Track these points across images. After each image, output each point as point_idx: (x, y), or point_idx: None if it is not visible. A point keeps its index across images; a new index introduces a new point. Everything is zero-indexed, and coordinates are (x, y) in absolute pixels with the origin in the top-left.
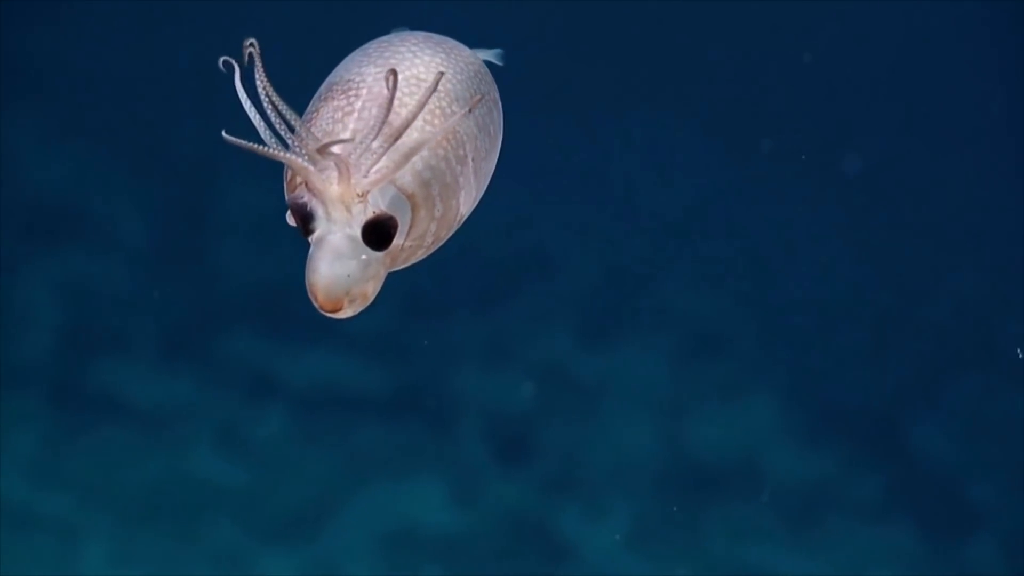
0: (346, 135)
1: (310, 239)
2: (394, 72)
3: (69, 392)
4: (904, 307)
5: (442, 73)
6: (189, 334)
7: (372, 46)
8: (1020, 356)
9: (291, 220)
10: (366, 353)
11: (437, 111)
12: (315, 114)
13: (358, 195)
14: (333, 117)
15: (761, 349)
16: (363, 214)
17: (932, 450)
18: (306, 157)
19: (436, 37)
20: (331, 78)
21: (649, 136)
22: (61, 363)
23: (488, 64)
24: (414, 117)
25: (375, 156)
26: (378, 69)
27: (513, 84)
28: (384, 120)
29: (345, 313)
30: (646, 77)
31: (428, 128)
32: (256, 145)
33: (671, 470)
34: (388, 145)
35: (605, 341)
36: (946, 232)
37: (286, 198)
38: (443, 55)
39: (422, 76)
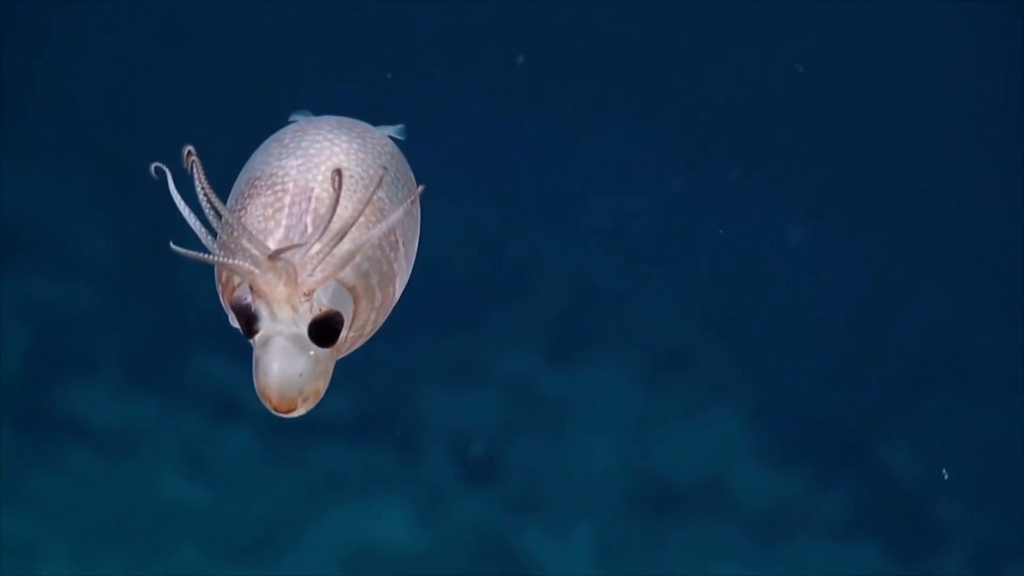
0: (279, 232)
1: (253, 340)
2: (339, 172)
3: (33, 413)
4: (872, 325)
5: (386, 169)
6: (154, 355)
7: (285, 134)
8: None
9: (233, 322)
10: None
11: (373, 205)
12: (242, 211)
13: (304, 294)
14: (264, 214)
15: (728, 367)
16: (309, 312)
17: (899, 468)
18: (250, 261)
19: (345, 121)
20: (250, 172)
21: (615, 155)
22: (25, 384)
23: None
24: (358, 215)
25: (320, 255)
26: (299, 161)
27: (484, 107)
28: (329, 220)
29: (299, 412)
30: (613, 96)
31: (368, 224)
32: (204, 255)
33: (637, 488)
34: (333, 245)
35: (572, 360)
36: (917, 251)
37: (223, 299)
38: (359, 141)
39: (344, 164)
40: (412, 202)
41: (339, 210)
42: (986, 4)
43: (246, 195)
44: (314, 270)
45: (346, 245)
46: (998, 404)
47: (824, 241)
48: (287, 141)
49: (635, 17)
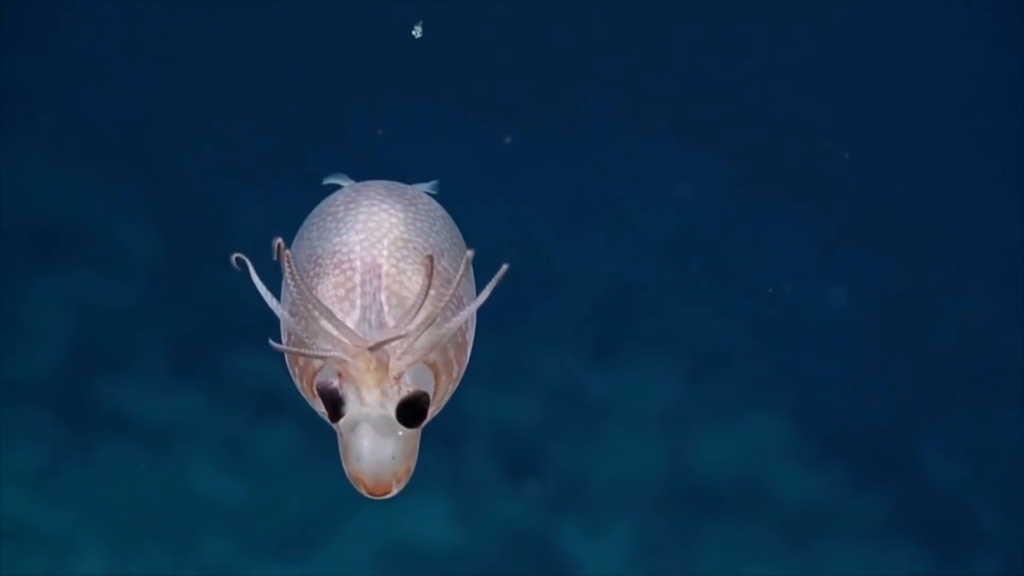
0: (355, 313)
1: (339, 423)
2: (431, 259)
3: (75, 408)
4: (912, 329)
5: (473, 253)
6: (197, 352)
7: (336, 205)
8: None
9: (315, 405)
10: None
11: (440, 277)
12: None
13: (394, 378)
14: (336, 295)
15: (767, 369)
16: (397, 394)
17: (936, 471)
18: (341, 350)
19: (391, 186)
20: (310, 248)
21: (656, 157)
22: (69, 380)
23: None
24: (450, 301)
25: (411, 340)
26: (361, 236)
27: (522, 111)
28: (419, 307)
29: (393, 493)
30: (657, 104)
31: (441, 299)
32: (303, 349)
33: (674, 488)
34: (424, 330)
35: (612, 360)
36: (954, 255)
37: (299, 380)
38: (412, 208)
39: (405, 235)
40: (467, 266)
41: (412, 285)
42: None
43: (312, 274)
44: (402, 353)
45: (437, 330)
46: None
47: (862, 245)
48: (341, 214)
49: (684, 28)
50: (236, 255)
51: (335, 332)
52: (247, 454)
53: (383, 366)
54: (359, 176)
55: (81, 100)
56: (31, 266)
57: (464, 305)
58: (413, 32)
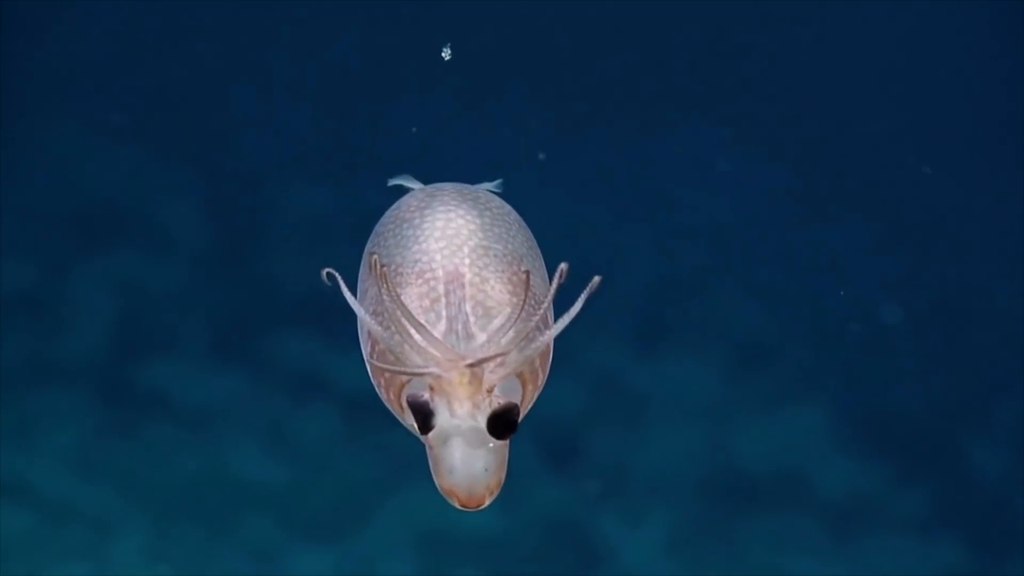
0: (442, 325)
1: (428, 436)
2: (527, 273)
3: (119, 388)
4: (956, 323)
5: (568, 266)
6: (239, 334)
7: (410, 211)
8: None
9: (406, 419)
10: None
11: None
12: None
13: (487, 391)
14: (421, 305)
15: (810, 362)
16: (488, 406)
17: (980, 465)
18: (434, 364)
19: (463, 190)
20: (388, 257)
21: (702, 149)
22: (112, 361)
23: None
24: (544, 316)
25: (508, 356)
26: (441, 244)
27: (569, 100)
28: (516, 319)
29: (486, 503)
30: (698, 91)
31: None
32: (400, 367)
33: (715, 480)
34: (518, 344)
35: (656, 351)
36: (999, 251)
37: (384, 392)
38: (488, 213)
39: (484, 243)
40: (562, 280)
41: (495, 293)
42: None
43: (395, 284)
44: (497, 367)
45: (532, 344)
46: None
47: (908, 241)
48: (417, 220)
49: (724, 24)
50: (327, 270)
51: (428, 346)
52: (287, 436)
53: (477, 379)
54: (422, 173)
55: (131, 81)
56: (77, 247)
57: (549, 314)
58: (443, 54)
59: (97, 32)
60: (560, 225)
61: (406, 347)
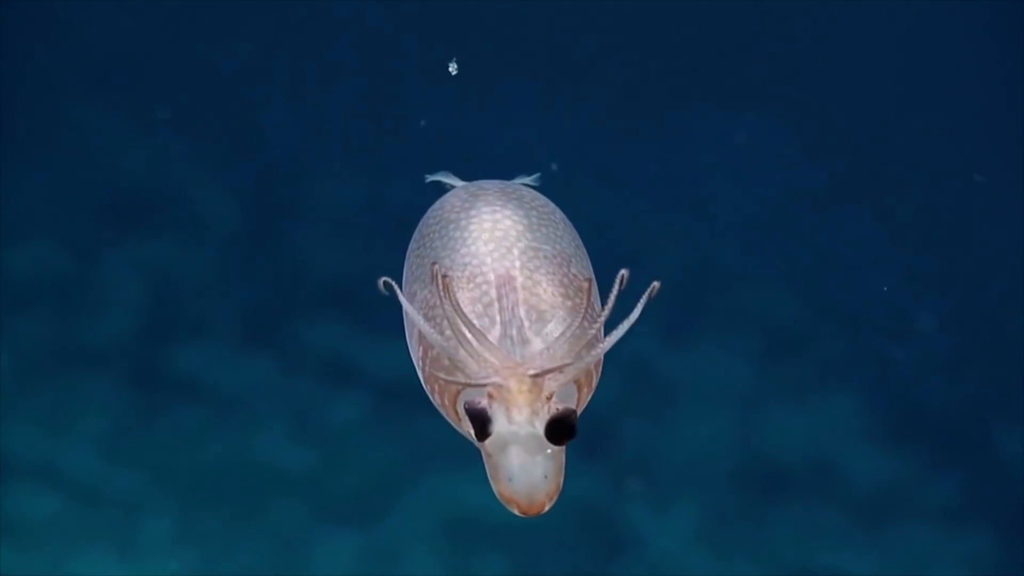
0: (496, 329)
1: (485, 443)
2: (590, 282)
3: (149, 373)
4: (987, 313)
5: (627, 273)
6: (270, 320)
7: (455, 212)
8: None
9: (463, 426)
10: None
11: (574, 287)
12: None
13: (546, 398)
14: (474, 311)
15: (841, 351)
16: (547, 412)
17: (1012, 455)
18: (492, 371)
19: (506, 187)
20: (435, 257)
21: (732, 137)
22: (143, 345)
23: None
24: (601, 326)
25: (567, 365)
26: (490, 247)
27: (604, 93)
28: (576, 328)
29: (545, 510)
30: (728, 79)
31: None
32: (468, 380)
33: (745, 468)
34: (579, 351)
35: (686, 339)
36: None
37: (437, 398)
38: (535, 213)
39: (532, 243)
40: (622, 287)
41: (547, 295)
42: None
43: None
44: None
45: (590, 353)
46: None
47: (938, 232)
48: (463, 221)
49: (762, 18)
50: (383, 279)
51: (487, 354)
52: (315, 422)
53: (537, 387)
54: (457, 167)
55: (166, 70)
56: (109, 233)
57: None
58: (450, 69)
59: (135, 22)
60: (593, 213)
61: (463, 353)
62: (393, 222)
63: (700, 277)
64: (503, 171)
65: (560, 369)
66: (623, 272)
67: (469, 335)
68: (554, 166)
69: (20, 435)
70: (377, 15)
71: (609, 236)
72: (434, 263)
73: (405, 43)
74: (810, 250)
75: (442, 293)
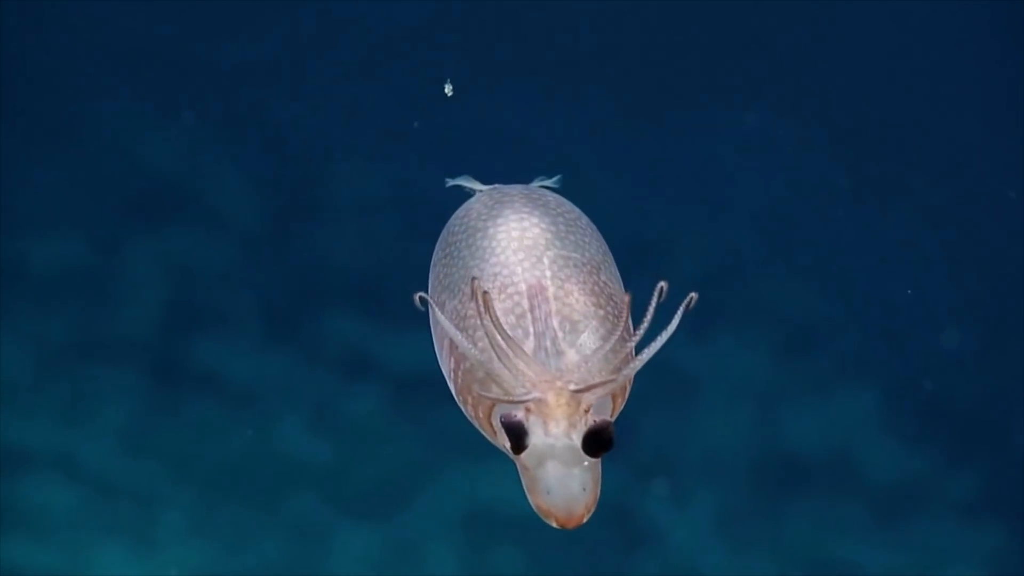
0: (530, 342)
1: (521, 456)
2: (629, 297)
3: (169, 365)
4: (1009, 309)
5: (666, 285)
6: (290, 313)
7: (483, 221)
8: None
9: (499, 439)
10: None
11: (606, 295)
12: (476, 318)
13: (584, 410)
14: (507, 322)
15: (862, 344)
16: (584, 425)
17: None
18: (530, 385)
19: (529, 193)
20: (463, 266)
21: (753, 133)
22: (164, 338)
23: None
24: (634, 343)
25: (610, 381)
26: (520, 256)
27: (626, 87)
28: (617, 347)
29: (584, 521)
30: (750, 75)
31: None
32: (509, 397)
33: (763, 461)
34: (616, 366)
35: (707, 333)
36: None
37: (470, 410)
38: (562, 220)
39: (563, 252)
40: (661, 299)
41: (579, 305)
42: None
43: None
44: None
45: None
46: None
47: (959, 229)
48: (491, 230)
49: (785, 11)
50: (419, 294)
51: (525, 367)
52: (334, 415)
53: (576, 400)
54: (477, 161)
55: (188, 62)
56: (131, 225)
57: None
58: (445, 90)
59: (159, 16)
60: (615, 207)
61: (500, 367)
62: (414, 216)
63: (720, 272)
64: (527, 164)
65: (601, 385)
66: (662, 284)
67: (508, 349)
68: (556, 178)
69: (40, 427)
70: (403, 10)
71: (630, 230)
72: (474, 279)
73: (430, 38)
74: (830, 245)
75: (483, 310)
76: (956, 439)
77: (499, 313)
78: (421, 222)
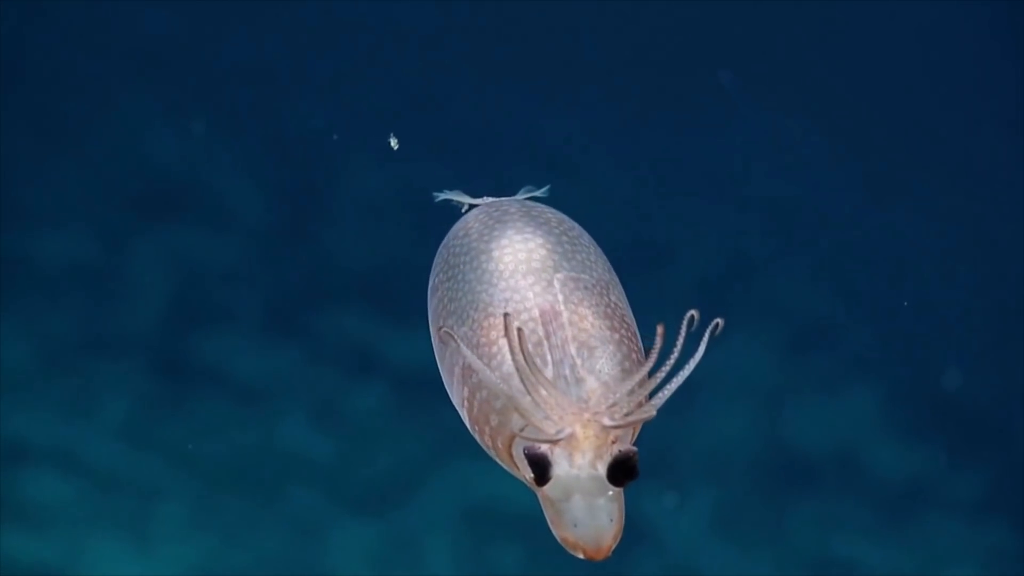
0: (548, 369)
1: (545, 488)
2: (663, 328)
3: (173, 361)
4: (1011, 306)
5: (696, 314)
6: (294, 309)
7: (483, 240)
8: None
9: (522, 472)
10: None
11: (619, 318)
12: (494, 346)
13: (611, 441)
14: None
15: (867, 342)
16: (609, 455)
17: None
18: (557, 416)
19: (529, 210)
20: (470, 292)
21: (762, 129)
22: (167, 334)
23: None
24: (650, 365)
25: (626, 402)
26: (529, 280)
27: (632, 81)
28: (640, 375)
29: (612, 550)
30: (760, 72)
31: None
32: (543, 437)
33: (766, 460)
34: (641, 392)
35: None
36: None
37: (487, 439)
38: (566, 239)
39: (571, 272)
40: (691, 328)
41: (594, 329)
42: None
43: (486, 326)
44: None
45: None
46: None
47: (968, 228)
48: (494, 251)
49: (799, 8)
50: (443, 329)
51: (552, 400)
52: (338, 412)
53: (605, 432)
54: (484, 160)
55: (199, 59)
56: (136, 220)
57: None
58: (391, 143)
59: (168, 13)
60: (616, 206)
61: (518, 398)
62: (419, 214)
63: (726, 268)
64: (533, 164)
65: (638, 420)
66: (692, 312)
67: (537, 383)
68: (545, 187)
69: (42, 422)
70: (408, 9)
71: (637, 228)
72: (506, 314)
73: (436, 37)
74: (837, 243)
75: (516, 346)
76: (961, 438)
77: None
78: (426, 221)
